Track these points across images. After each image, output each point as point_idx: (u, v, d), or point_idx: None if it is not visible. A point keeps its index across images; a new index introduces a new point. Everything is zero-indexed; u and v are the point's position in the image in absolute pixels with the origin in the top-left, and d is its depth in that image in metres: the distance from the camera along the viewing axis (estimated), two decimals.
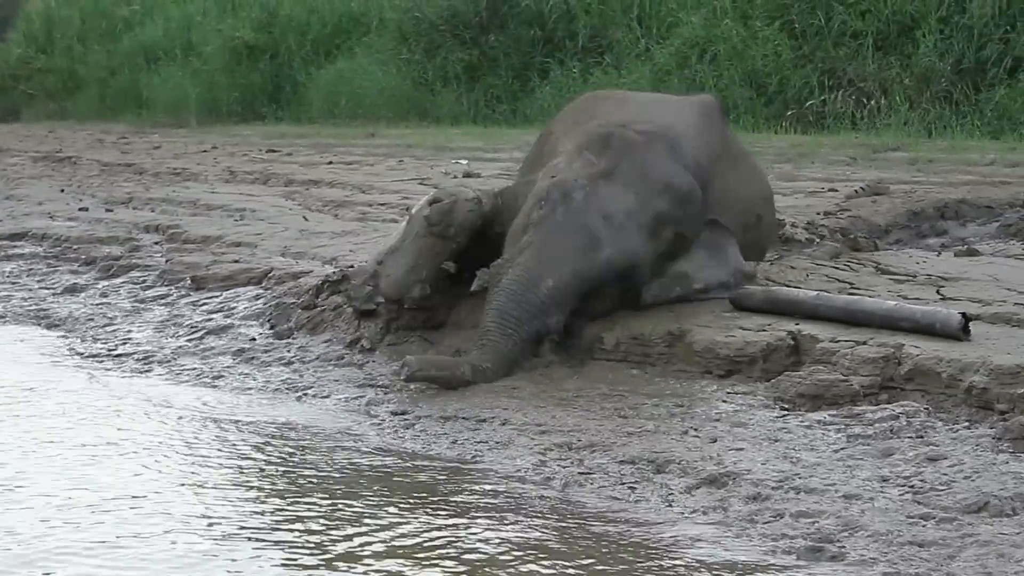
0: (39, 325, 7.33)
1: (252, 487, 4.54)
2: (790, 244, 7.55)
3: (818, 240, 7.64)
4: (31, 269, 8.92)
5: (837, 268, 6.74)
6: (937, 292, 6.03)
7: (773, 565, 3.66)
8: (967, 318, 5.20)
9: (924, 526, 3.79)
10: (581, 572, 3.70)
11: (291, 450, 4.90)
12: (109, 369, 6.29)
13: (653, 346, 5.67)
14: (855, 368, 5.09)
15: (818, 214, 8.26)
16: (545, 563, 3.74)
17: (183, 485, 4.46)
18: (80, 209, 10.98)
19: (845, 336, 5.28)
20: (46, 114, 25.54)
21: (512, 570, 3.70)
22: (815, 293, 5.82)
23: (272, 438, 5.05)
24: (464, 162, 12.49)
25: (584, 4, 17.62)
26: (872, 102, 13.45)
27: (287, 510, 4.27)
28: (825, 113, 13.76)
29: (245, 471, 4.67)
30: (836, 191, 9.12)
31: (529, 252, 5.56)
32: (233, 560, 3.77)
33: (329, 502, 4.31)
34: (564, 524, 4.05)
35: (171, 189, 11.97)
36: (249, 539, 3.96)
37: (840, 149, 11.44)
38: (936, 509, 3.90)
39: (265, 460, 4.79)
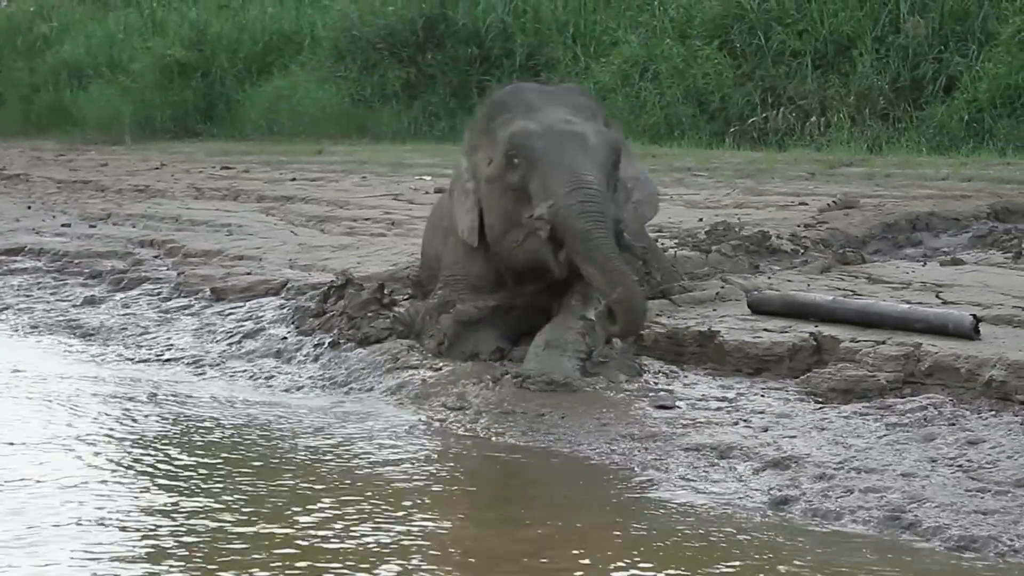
0: (74, 335, 7.56)
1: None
2: (778, 255, 8.02)
3: (802, 251, 8.15)
4: (39, 283, 9.13)
5: (833, 279, 7.15)
6: (937, 297, 6.47)
7: (857, 532, 4.08)
8: (978, 319, 5.71)
9: (983, 498, 4.20)
10: (687, 537, 4.11)
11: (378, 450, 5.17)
12: (170, 374, 6.59)
13: (687, 345, 6.12)
14: (879, 365, 5.53)
15: (798, 226, 8.70)
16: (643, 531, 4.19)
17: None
18: (63, 225, 11.19)
19: (864, 337, 5.73)
20: None
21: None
22: (831, 297, 6.32)
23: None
24: (428, 178, 12.83)
25: (520, 23, 18.05)
26: (813, 119, 14.01)
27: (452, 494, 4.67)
28: (767, 130, 14.29)
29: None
30: (806, 205, 9.57)
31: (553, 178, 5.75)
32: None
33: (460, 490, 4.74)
34: (655, 499, 4.46)
35: (145, 206, 12.15)
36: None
37: (796, 165, 11.90)
38: (990, 484, 4.32)
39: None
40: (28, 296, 8.76)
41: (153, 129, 20.99)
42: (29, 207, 12.87)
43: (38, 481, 4.66)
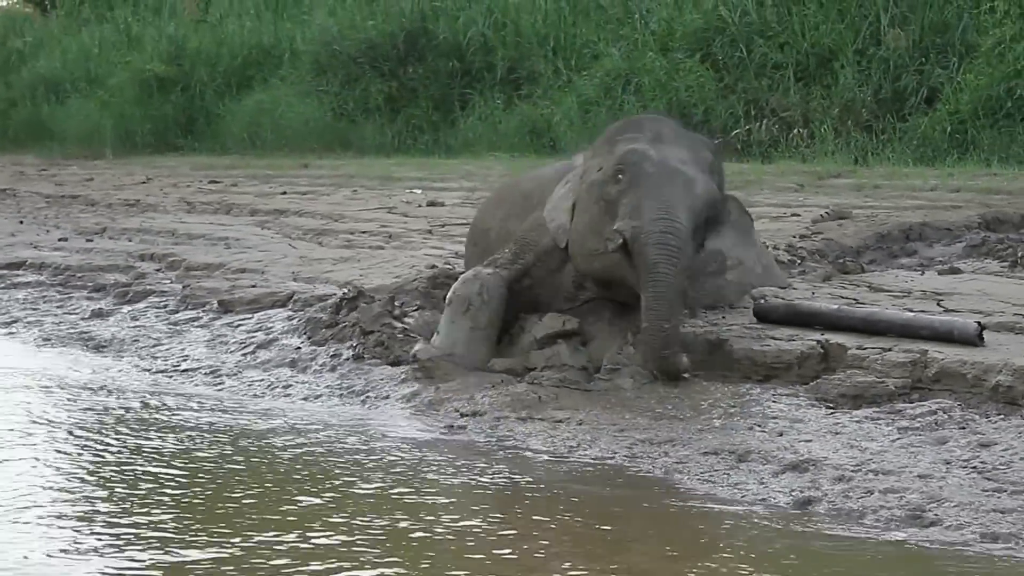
0: (86, 347, 7.68)
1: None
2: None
3: (799, 261, 8.29)
4: (44, 296, 9.23)
5: (834, 289, 7.26)
6: (938, 305, 6.60)
7: (881, 530, 4.24)
8: (982, 326, 5.87)
9: (1000, 497, 4.36)
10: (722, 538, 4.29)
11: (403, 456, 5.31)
12: (190, 384, 6.72)
13: (694, 353, 6.12)
14: (887, 371, 5.66)
15: (793, 237, 8.83)
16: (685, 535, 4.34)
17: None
18: (60, 239, 11.28)
19: (871, 344, 5.87)
20: None
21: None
22: (836, 306, 6.47)
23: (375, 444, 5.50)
24: (419, 191, 12.96)
25: (500, 36, 18.19)
26: (796, 131, 14.19)
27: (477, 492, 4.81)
28: (751, 142, 14.46)
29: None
30: (799, 216, 9.70)
31: (646, 204, 5.92)
32: None
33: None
34: (684, 503, 4.61)
35: (139, 220, 12.23)
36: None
37: (784, 177, 12.04)
38: (1005, 484, 4.47)
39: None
40: (35, 309, 8.85)
41: (134, 144, 21.05)
42: (21, 221, 12.96)
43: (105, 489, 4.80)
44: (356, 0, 20.49)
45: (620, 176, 6.01)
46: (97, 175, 17.77)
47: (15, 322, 8.48)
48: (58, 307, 8.88)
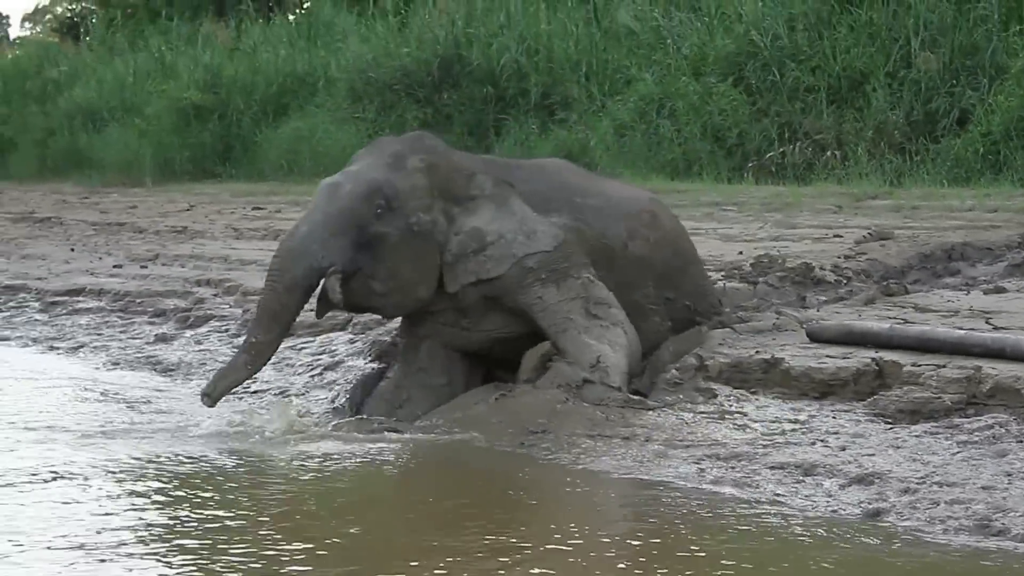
0: (154, 370, 7.92)
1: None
2: (823, 285, 8.29)
3: (845, 281, 8.48)
4: (107, 321, 9.45)
5: (881, 309, 7.41)
6: (987, 323, 6.76)
7: (951, 539, 4.39)
8: None
9: None
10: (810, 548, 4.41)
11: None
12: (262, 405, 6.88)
13: (751, 372, 6.40)
14: (943, 387, 5.80)
15: (838, 257, 9.01)
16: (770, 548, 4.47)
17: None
18: (115, 266, 11.50)
19: (925, 361, 6.02)
20: None
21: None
22: (888, 325, 6.67)
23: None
24: None
25: (534, 62, 18.43)
26: (829, 153, 14.39)
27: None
28: (785, 164, 14.66)
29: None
30: (840, 237, 9.91)
31: None
32: None
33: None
34: (759, 516, 4.74)
35: (190, 246, 12.47)
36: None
37: (822, 198, 12.24)
38: None
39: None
40: (99, 334, 9.07)
41: (172, 171, 21.33)
42: (72, 249, 13.19)
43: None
44: (389, 28, 20.78)
45: None
46: (140, 202, 18.02)
47: (82, 347, 8.72)
48: (121, 332, 9.09)
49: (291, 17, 27.20)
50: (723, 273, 8.72)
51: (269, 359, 6.22)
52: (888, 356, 6.18)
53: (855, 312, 7.39)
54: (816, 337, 6.74)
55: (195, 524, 4.75)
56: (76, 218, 16.40)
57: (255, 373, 6.20)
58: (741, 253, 9.53)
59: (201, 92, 21.59)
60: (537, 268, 6.24)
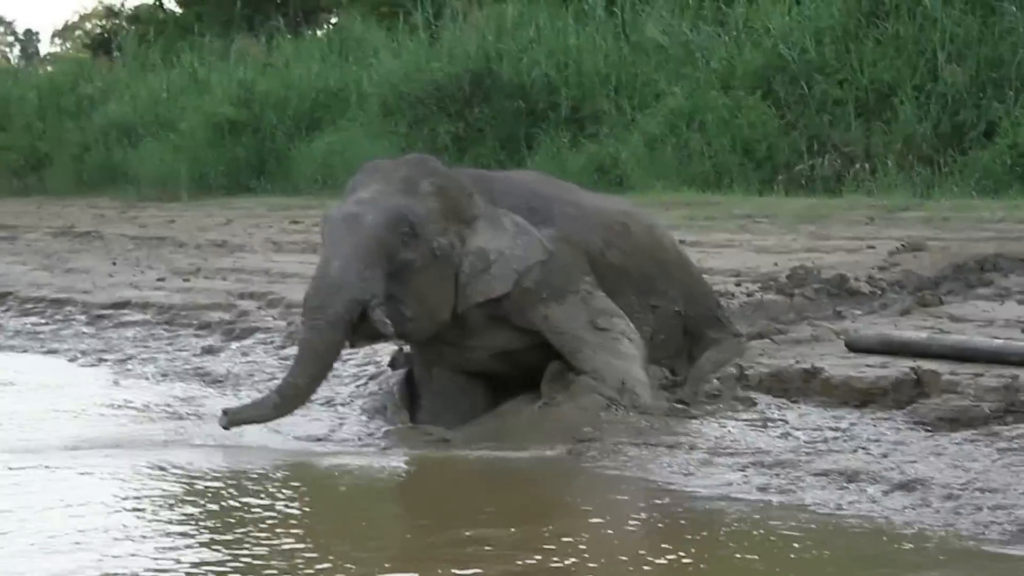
0: (203, 382, 8.00)
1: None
2: (858, 297, 8.43)
3: (880, 292, 8.62)
4: (153, 334, 9.59)
5: (917, 320, 7.53)
6: (1023, 332, 6.91)
7: (995, 544, 4.48)
8: None
9: None
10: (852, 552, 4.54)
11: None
12: (310, 415, 6.95)
13: (791, 382, 6.54)
14: (981, 395, 5.92)
15: (872, 269, 9.15)
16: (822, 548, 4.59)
17: None
18: (159, 279, 11.65)
19: (963, 370, 6.15)
20: (10, 191, 25.95)
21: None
22: (926, 335, 6.83)
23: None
24: None
25: (563, 76, 18.62)
26: (858, 166, 14.54)
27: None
28: (814, 176, 14.81)
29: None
30: (874, 248, 10.04)
31: None
32: None
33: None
34: (805, 522, 4.84)
35: (231, 260, 12.64)
36: None
37: (853, 210, 12.37)
38: None
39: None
40: (146, 347, 9.21)
41: (207, 185, 21.51)
42: (114, 263, 13.35)
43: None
44: (419, 43, 21.00)
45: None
46: (177, 216, 18.21)
47: (131, 359, 8.86)
48: (168, 344, 9.22)
49: (319, 32, 27.48)
50: (759, 285, 8.88)
51: (304, 403, 6.22)
52: (926, 365, 6.28)
53: (891, 323, 7.49)
54: (855, 347, 6.88)
55: (276, 525, 4.91)
56: (116, 232, 16.60)
57: (283, 416, 6.12)
58: (776, 264, 9.66)
59: (235, 107, 21.78)
60: (536, 287, 6.32)
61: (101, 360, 8.96)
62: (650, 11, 18.83)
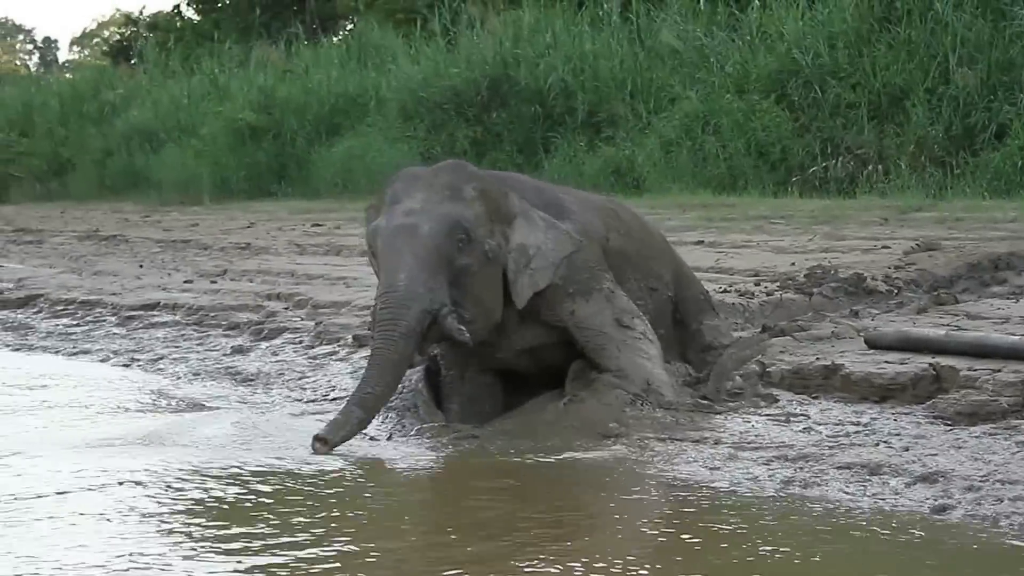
0: (234, 380, 8.14)
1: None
2: (875, 296, 8.62)
3: (896, 291, 8.79)
4: (183, 335, 9.73)
5: (934, 318, 7.69)
6: None
7: (1016, 534, 4.61)
8: None
9: None
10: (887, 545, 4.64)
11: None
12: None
13: (812, 378, 6.67)
14: (999, 391, 6.04)
15: (888, 268, 9.32)
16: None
17: None
18: (186, 281, 11.82)
19: (980, 366, 6.27)
20: (33, 196, 26.28)
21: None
22: (943, 332, 6.98)
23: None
24: None
25: (580, 82, 18.83)
26: (871, 167, 14.72)
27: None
28: (828, 178, 15.01)
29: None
30: (889, 248, 10.21)
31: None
32: None
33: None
34: (830, 514, 4.98)
35: (256, 262, 12.82)
36: None
37: (868, 211, 12.56)
38: None
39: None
40: (177, 347, 9.34)
41: (229, 190, 21.80)
42: (141, 265, 13.56)
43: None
44: (437, 49, 21.22)
45: (374, 257, 6.32)
46: (200, 220, 18.41)
47: (162, 359, 8.99)
48: (198, 344, 9.36)
49: (335, 39, 27.71)
50: (777, 284, 9.03)
51: (381, 409, 6.30)
52: (944, 361, 6.40)
53: (909, 320, 7.63)
54: (874, 344, 7.00)
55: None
56: (140, 236, 16.82)
57: (368, 425, 6.18)
58: (793, 264, 9.82)
59: (255, 113, 22.03)
60: (564, 283, 6.44)
61: (133, 360, 9.10)
62: (664, 17, 19.03)
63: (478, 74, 19.46)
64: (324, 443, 5.91)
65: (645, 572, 4.39)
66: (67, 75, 37.24)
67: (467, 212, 6.20)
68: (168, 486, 5.38)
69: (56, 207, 23.47)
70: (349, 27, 30.74)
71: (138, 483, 5.42)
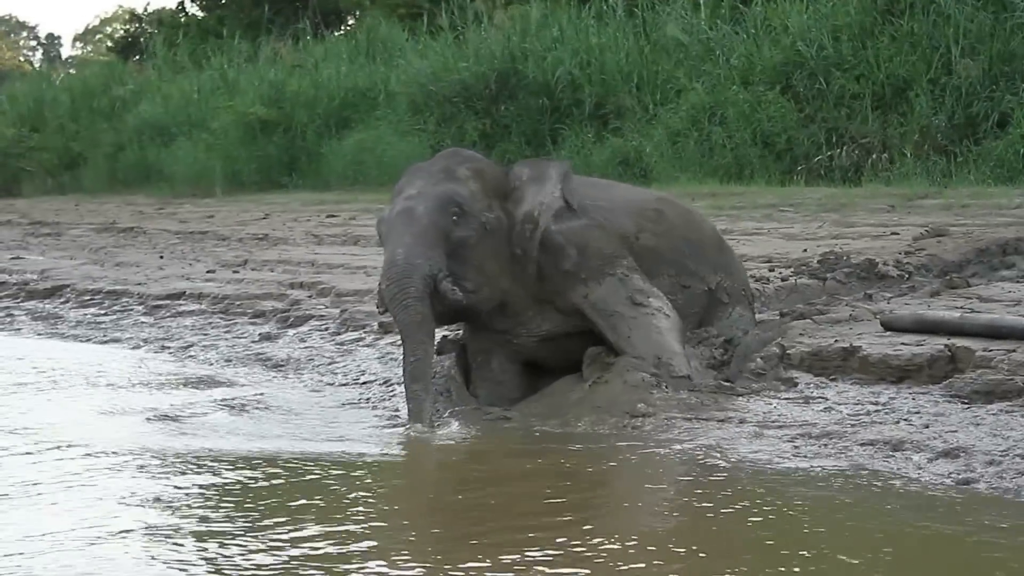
0: (265, 366, 8.31)
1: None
2: (887, 280, 8.78)
3: (907, 276, 8.99)
4: (211, 323, 9.91)
5: (947, 301, 7.84)
6: None
7: None
8: None
9: None
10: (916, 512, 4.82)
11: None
12: (370, 394, 7.36)
13: (831, 360, 6.84)
14: (1014, 370, 6.22)
15: (899, 254, 9.51)
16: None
17: None
18: (208, 272, 12.00)
19: (995, 346, 6.46)
20: (45, 190, 26.50)
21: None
22: (958, 314, 7.18)
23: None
24: None
25: (587, 74, 19.07)
26: (875, 156, 14.96)
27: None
28: (833, 167, 15.25)
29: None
30: (897, 234, 10.39)
31: None
32: None
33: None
34: (857, 487, 5.13)
35: (276, 252, 13.00)
36: None
37: (875, 199, 12.76)
38: None
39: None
40: (206, 335, 9.52)
41: (240, 182, 22.00)
42: (161, 256, 13.72)
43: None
44: (446, 44, 21.45)
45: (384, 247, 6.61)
46: (215, 212, 18.59)
47: (192, 346, 9.16)
48: (226, 332, 9.53)
49: (337, 34, 27.91)
50: (792, 270, 9.18)
51: (432, 367, 6.58)
52: (959, 343, 6.57)
53: (923, 304, 7.79)
54: (890, 326, 7.18)
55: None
56: (157, 227, 16.99)
57: (431, 389, 6.50)
58: (805, 251, 9.99)
59: (266, 107, 22.27)
60: (576, 269, 6.70)
61: (164, 347, 9.26)
62: (669, 11, 19.25)
63: (486, 68, 19.72)
64: (420, 425, 6.27)
65: (696, 546, 4.56)
66: (71, 71, 37.41)
67: (461, 189, 6.55)
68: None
69: (69, 200, 23.67)
70: (351, 22, 30.93)
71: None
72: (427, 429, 6.25)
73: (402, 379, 6.52)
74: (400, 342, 6.63)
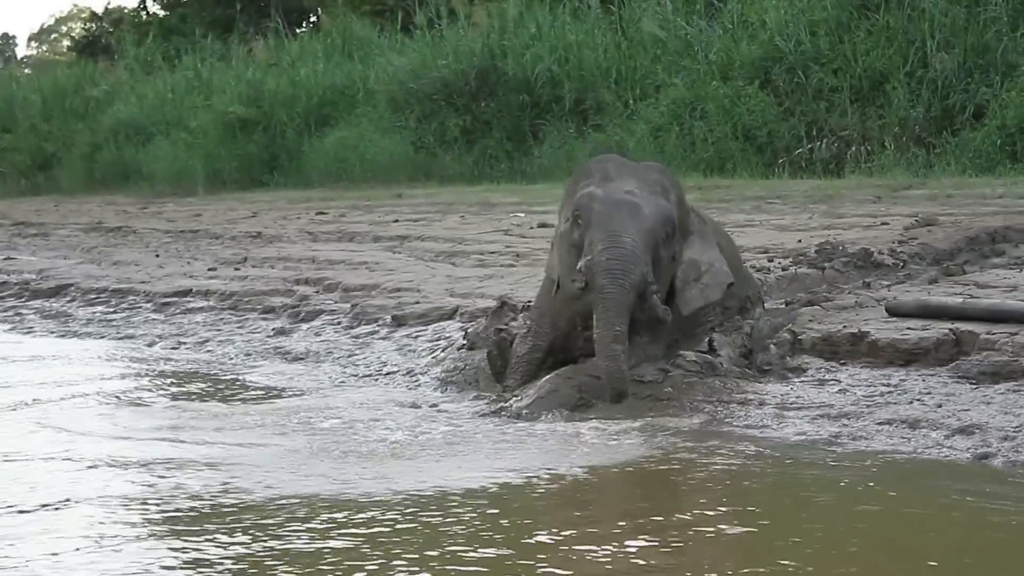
0: (285, 359, 8.45)
1: None
2: (883, 269, 9.00)
3: (902, 264, 9.26)
4: (222, 319, 10.05)
5: (946, 287, 8.07)
6: None
7: None
8: None
9: None
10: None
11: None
12: (394, 384, 7.49)
13: (840, 345, 7.08)
14: (1018, 351, 6.44)
15: (892, 243, 9.73)
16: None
17: None
18: (210, 269, 12.14)
19: (998, 330, 6.68)
20: (19, 191, 26.54)
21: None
22: (960, 299, 7.46)
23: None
24: (522, 215, 13.97)
25: (566, 71, 19.33)
26: (854, 148, 15.29)
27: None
28: (813, 159, 15.57)
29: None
30: (888, 224, 10.65)
31: (596, 238, 6.47)
32: None
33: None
34: (881, 463, 5.38)
35: (273, 250, 13.17)
36: None
37: (860, 190, 13.04)
38: None
39: None
40: (219, 330, 9.63)
41: (221, 181, 22.16)
42: (157, 255, 13.85)
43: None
44: (423, 41, 21.66)
45: (579, 220, 6.58)
46: (202, 211, 18.70)
47: (208, 341, 9.29)
48: (239, 327, 9.65)
49: (301, 32, 28.03)
50: (790, 260, 9.39)
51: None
52: (963, 327, 6.80)
53: (923, 291, 8.01)
54: (895, 312, 7.43)
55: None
56: (146, 227, 17.10)
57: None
58: (800, 241, 10.23)
59: (245, 106, 22.41)
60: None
61: (180, 343, 9.35)
62: (645, 7, 19.52)
63: (466, 65, 19.96)
64: (622, 394, 6.42)
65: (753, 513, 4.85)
66: (27, 71, 37.30)
67: (673, 212, 6.73)
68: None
69: (47, 201, 23.76)
70: (314, 19, 31.02)
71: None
72: (626, 389, 6.37)
73: (596, 344, 6.43)
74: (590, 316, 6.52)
